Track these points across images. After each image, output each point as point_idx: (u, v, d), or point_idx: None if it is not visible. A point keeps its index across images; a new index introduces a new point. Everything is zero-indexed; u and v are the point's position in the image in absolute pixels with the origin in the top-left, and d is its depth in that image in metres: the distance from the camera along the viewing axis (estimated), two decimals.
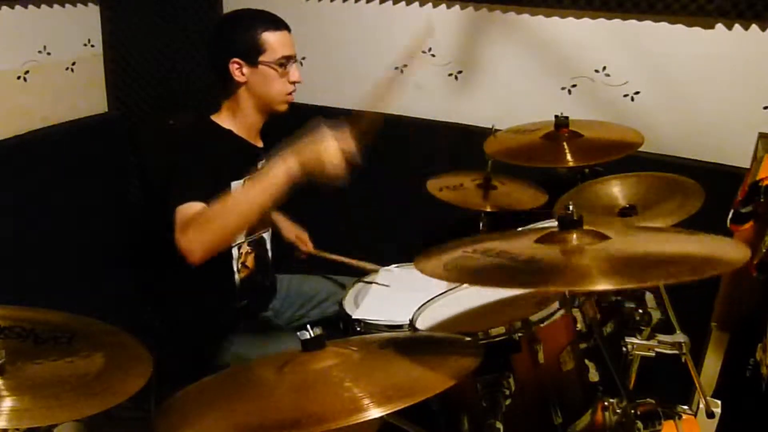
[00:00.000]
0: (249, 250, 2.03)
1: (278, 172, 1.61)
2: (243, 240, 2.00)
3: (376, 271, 2.14)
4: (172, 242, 1.64)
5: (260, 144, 2.03)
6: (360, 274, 2.15)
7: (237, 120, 1.96)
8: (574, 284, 1.14)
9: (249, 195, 1.68)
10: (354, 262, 2.24)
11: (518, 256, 1.20)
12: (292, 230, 2.34)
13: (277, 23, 1.92)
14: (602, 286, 1.09)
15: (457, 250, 1.31)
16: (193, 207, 1.68)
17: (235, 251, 1.98)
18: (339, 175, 1.60)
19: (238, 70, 1.89)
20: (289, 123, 1.76)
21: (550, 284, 1.17)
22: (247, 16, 1.95)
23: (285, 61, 1.91)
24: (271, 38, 1.89)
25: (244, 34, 1.89)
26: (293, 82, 1.94)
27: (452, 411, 1.42)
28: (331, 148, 1.59)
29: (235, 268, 1.99)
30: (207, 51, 2.02)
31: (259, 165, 1.98)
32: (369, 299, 2.00)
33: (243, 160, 1.93)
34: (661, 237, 1.38)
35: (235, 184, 1.84)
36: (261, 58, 1.89)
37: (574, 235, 1.23)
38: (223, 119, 1.96)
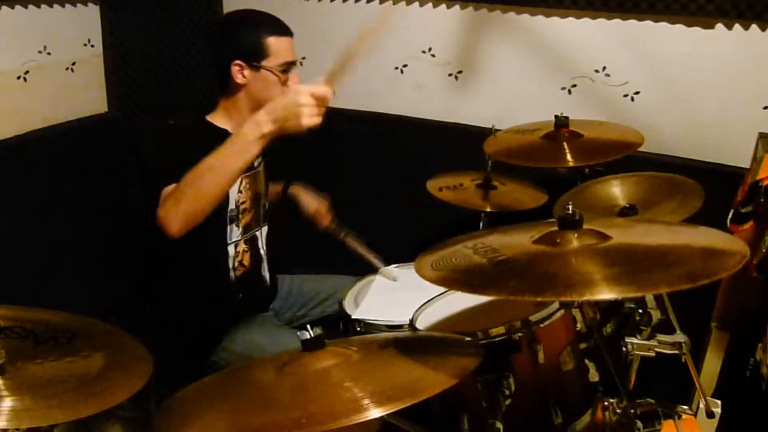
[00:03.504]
0: (245, 249, 2.03)
1: (251, 133, 1.60)
2: (239, 238, 2.00)
3: (378, 269, 2.14)
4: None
5: None
6: (364, 267, 2.14)
7: (233, 120, 1.95)
8: (570, 293, 1.12)
9: (223, 159, 1.63)
10: (364, 252, 2.20)
11: (512, 258, 1.20)
12: (312, 203, 2.30)
13: (283, 29, 1.92)
14: (602, 295, 1.08)
15: (453, 249, 1.31)
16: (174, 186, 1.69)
17: (231, 249, 1.98)
18: (314, 122, 1.60)
19: (240, 72, 1.89)
20: None
21: (545, 293, 1.14)
22: (253, 18, 1.94)
23: (287, 67, 1.92)
24: (275, 43, 1.89)
25: (249, 37, 1.89)
26: None
27: (452, 411, 1.42)
28: (301, 96, 1.59)
29: (230, 266, 1.99)
30: (208, 48, 2.02)
31: (255, 163, 1.99)
32: (369, 299, 2.00)
33: None
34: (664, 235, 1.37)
35: None
36: (263, 63, 1.89)
37: (575, 235, 1.23)
38: (219, 119, 1.96)
